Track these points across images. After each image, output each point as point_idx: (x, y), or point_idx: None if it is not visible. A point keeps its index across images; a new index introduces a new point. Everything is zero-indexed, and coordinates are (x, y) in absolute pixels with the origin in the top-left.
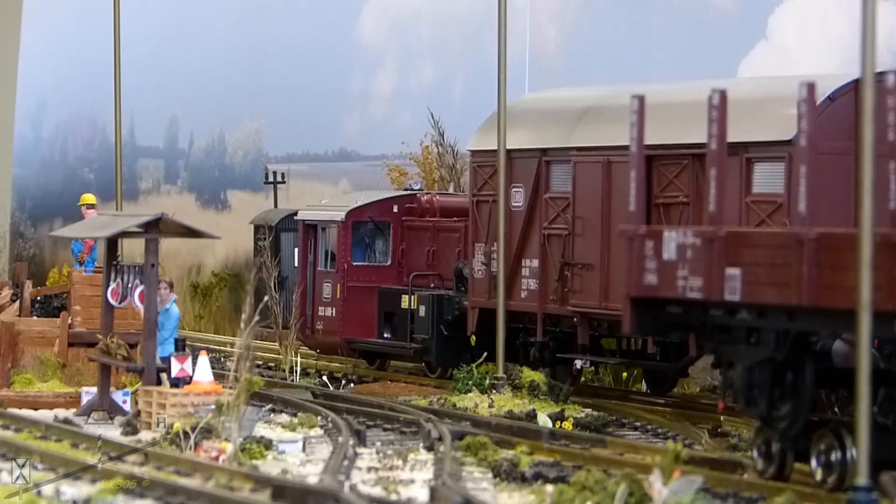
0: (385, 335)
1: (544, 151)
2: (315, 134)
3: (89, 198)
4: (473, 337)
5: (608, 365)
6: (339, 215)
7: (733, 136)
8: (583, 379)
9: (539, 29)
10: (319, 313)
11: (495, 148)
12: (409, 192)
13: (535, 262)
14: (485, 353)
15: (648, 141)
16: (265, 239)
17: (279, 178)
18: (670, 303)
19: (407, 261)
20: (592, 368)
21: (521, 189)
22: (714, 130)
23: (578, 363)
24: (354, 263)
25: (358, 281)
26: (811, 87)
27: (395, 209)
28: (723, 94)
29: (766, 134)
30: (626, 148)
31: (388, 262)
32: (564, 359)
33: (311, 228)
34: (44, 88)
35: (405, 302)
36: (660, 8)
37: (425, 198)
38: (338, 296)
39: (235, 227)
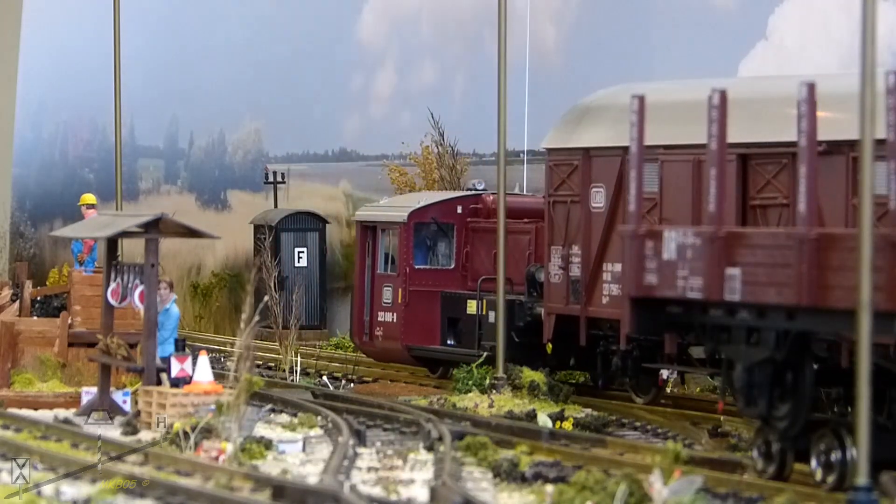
0: (448, 342)
1: (627, 150)
2: (315, 134)
3: (89, 198)
4: (549, 345)
5: (695, 375)
6: (401, 216)
7: (838, 133)
8: (582, 379)
9: (539, 29)
10: (379, 319)
11: (575, 146)
12: (473, 192)
13: (619, 267)
14: (572, 361)
15: (742, 139)
16: (265, 239)
17: (279, 178)
18: (670, 303)
19: (472, 264)
20: (677, 378)
21: (601, 189)
22: (714, 130)
23: (665, 373)
24: (417, 267)
25: (420, 285)
26: (811, 87)
27: (459, 210)
28: (723, 94)
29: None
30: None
31: (452, 266)
32: (648, 368)
33: (370, 229)
34: (44, 89)
35: (471, 307)
36: (660, 8)
37: (491, 198)
38: (399, 300)
39: (235, 227)
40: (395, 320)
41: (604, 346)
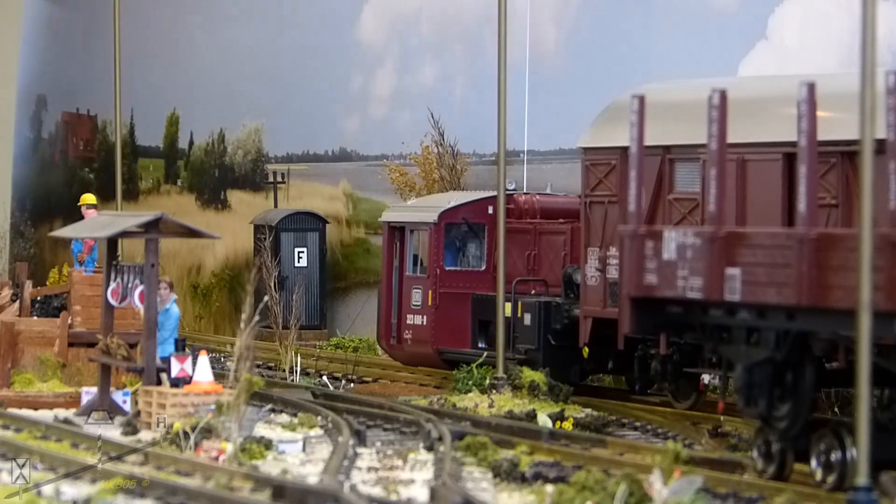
0: (480, 345)
1: (667, 149)
2: (315, 134)
3: (89, 198)
4: (586, 348)
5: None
6: (431, 217)
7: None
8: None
9: (539, 29)
10: (408, 322)
11: (613, 145)
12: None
13: None
14: (610, 365)
15: (790, 137)
16: (265, 239)
17: (279, 178)
18: (670, 303)
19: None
20: (718, 382)
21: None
22: (714, 130)
23: (706, 378)
24: (447, 268)
25: (451, 287)
26: (811, 87)
27: (491, 210)
28: (723, 94)
29: None
30: (763, 145)
31: (483, 267)
32: (688, 373)
33: (398, 230)
34: (44, 88)
35: (504, 309)
36: (660, 8)
37: (523, 198)
38: (429, 303)
39: (235, 227)
40: (424, 323)
41: (642, 350)
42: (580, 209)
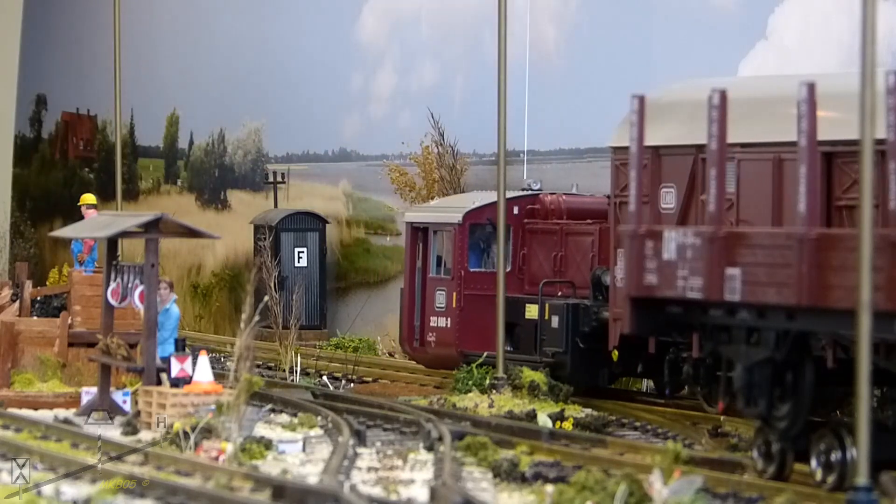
0: (505, 348)
1: (701, 148)
2: (315, 134)
3: (89, 198)
4: (616, 352)
5: None
6: (455, 217)
7: None
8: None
9: (539, 29)
10: (431, 324)
11: (645, 144)
12: (530, 192)
13: None
14: (639, 368)
15: (827, 136)
16: (265, 239)
17: (279, 178)
18: (670, 303)
19: (529, 267)
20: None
21: (672, 189)
22: (714, 130)
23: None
24: (471, 269)
25: (475, 289)
26: (811, 87)
27: (516, 211)
28: (723, 94)
29: None
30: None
31: (508, 269)
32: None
33: (421, 231)
34: (44, 88)
35: (531, 312)
36: (660, 8)
37: (549, 198)
38: (454, 305)
39: (235, 227)
40: (448, 325)
41: (674, 354)
42: (609, 210)
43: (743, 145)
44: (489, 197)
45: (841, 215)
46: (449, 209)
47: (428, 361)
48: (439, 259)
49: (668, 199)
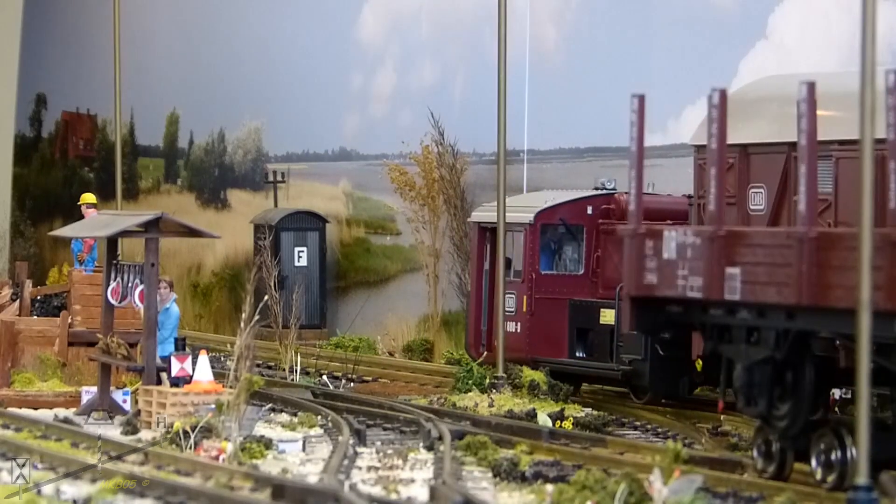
0: (578, 354)
1: (793, 146)
2: (315, 133)
3: (89, 197)
4: (699, 361)
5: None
6: (527, 217)
7: None
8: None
9: (539, 29)
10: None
11: (730, 142)
12: (604, 191)
13: None
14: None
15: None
16: (265, 238)
17: (279, 178)
18: (670, 302)
19: (603, 270)
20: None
21: (761, 190)
22: (714, 130)
23: (837, 393)
24: (543, 272)
25: (547, 292)
26: (811, 87)
27: (590, 210)
28: (722, 94)
29: None
30: (877, 141)
31: (581, 272)
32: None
33: (489, 232)
34: (44, 87)
35: (606, 317)
36: (660, 8)
37: (625, 198)
38: (524, 309)
39: (235, 227)
40: (518, 330)
41: None
42: (689, 211)
43: (841, 142)
44: (561, 196)
45: None
46: (519, 208)
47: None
48: (508, 261)
49: (758, 200)
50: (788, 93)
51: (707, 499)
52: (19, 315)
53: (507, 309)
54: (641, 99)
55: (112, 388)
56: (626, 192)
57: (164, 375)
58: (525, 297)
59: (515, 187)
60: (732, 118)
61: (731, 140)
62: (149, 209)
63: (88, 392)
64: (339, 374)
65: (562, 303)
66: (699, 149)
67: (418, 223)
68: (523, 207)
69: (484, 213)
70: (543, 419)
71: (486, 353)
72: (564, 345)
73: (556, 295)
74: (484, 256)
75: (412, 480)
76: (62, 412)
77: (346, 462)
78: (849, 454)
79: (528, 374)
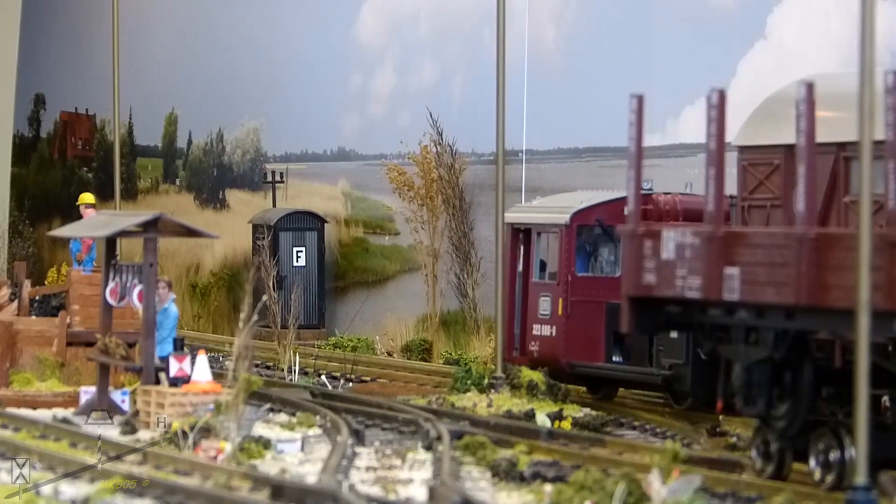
0: (615, 359)
1: (842, 146)
2: (314, 133)
3: (88, 197)
4: None
5: None
6: (563, 218)
7: None
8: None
9: (538, 29)
10: (534, 332)
11: (776, 143)
12: (642, 191)
13: None
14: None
15: None
16: (264, 238)
17: (278, 178)
18: (669, 302)
19: None
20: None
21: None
22: (713, 130)
23: (886, 399)
24: (579, 274)
25: (583, 295)
26: (811, 87)
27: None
28: (721, 94)
29: None
30: None
31: (618, 274)
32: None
33: (524, 233)
34: (42, 87)
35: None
36: (659, 8)
37: (663, 198)
38: (559, 312)
39: (234, 227)
40: (553, 334)
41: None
42: (733, 213)
43: None
44: (597, 196)
45: None
46: (554, 209)
47: None
48: (542, 263)
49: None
50: (838, 91)
51: (706, 499)
52: (18, 315)
53: (541, 312)
54: (640, 99)
55: (111, 388)
56: (665, 193)
57: (162, 375)
58: (561, 299)
59: (514, 187)
60: (777, 118)
61: (777, 140)
62: (147, 209)
63: (87, 392)
64: (338, 374)
65: (598, 306)
66: (744, 150)
67: (417, 223)
68: (558, 208)
69: (518, 215)
70: (542, 419)
71: (519, 356)
72: (601, 349)
73: (593, 298)
74: (518, 258)
75: (411, 480)
76: (61, 412)
77: (344, 462)
78: (847, 454)
79: (527, 374)
